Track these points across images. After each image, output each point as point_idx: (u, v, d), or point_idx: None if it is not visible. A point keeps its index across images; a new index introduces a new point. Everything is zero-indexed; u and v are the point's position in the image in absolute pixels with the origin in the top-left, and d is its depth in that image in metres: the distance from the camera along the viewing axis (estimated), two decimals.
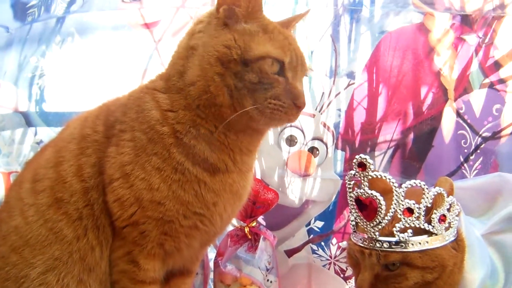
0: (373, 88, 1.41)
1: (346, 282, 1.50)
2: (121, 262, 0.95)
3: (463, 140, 1.41)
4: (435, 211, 0.91)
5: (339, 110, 1.43)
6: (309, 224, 1.47)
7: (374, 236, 0.92)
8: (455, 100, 1.40)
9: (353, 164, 0.94)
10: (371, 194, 0.92)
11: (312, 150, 1.43)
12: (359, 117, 1.43)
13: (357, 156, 0.93)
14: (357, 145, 1.43)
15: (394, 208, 0.91)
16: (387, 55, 1.40)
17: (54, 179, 0.95)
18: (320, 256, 1.49)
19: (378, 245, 0.92)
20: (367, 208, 0.95)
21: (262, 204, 1.32)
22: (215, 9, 0.88)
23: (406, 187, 0.92)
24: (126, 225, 0.92)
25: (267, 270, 1.30)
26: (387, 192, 0.93)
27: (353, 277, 1.10)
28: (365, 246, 0.94)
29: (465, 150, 1.40)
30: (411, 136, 1.42)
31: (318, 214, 1.46)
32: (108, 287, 0.97)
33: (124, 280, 0.94)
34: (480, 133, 1.40)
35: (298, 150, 1.43)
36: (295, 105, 0.86)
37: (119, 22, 1.57)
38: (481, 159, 1.40)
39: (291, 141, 1.42)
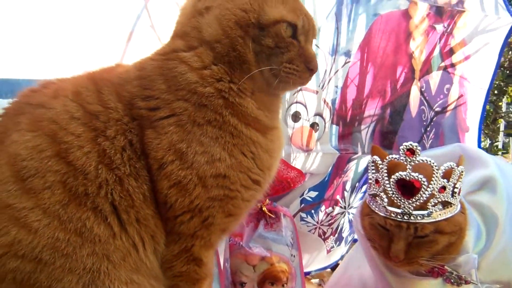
0: (364, 67, 1.52)
1: (324, 242, 1.66)
2: (178, 262, 0.85)
3: (423, 114, 1.65)
4: (456, 186, 1.09)
5: (336, 87, 1.49)
6: (302, 194, 1.54)
7: (409, 211, 1.04)
8: (419, 79, 1.63)
9: (401, 149, 1.05)
10: (417, 176, 1.03)
11: (313, 126, 1.47)
12: (351, 93, 1.53)
13: (406, 144, 1.04)
14: (348, 119, 1.53)
15: (432, 187, 1.06)
16: (376, 36, 1.51)
17: (64, 171, 0.77)
18: (308, 222, 1.59)
19: (412, 218, 1.05)
20: (405, 187, 1.08)
21: (280, 183, 1.33)
22: None
23: (444, 169, 1.08)
24: (183, 214, 0.83)
25: (292, 245, 1.34)
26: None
27: (368, 246, 1.24)
28: (402, 220, 1.05)
29: (424, 123, 1.66)
30: (388, 111, 1.59)
31: (313, 185, 1.54)
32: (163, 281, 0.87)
33: (182, 284, 0.86)
34: (434, 108, 1.67)
35: (300, 126, 1.45)
36: (307, 68, 0.87)
37: None
38: (433, 130, 1.68)
39: (296, 117, 1.44)
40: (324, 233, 1.63)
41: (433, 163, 1.04)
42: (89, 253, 0.75)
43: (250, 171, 0.86)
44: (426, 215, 1.05)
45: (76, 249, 0.75)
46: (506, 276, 1.22)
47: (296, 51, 0.86)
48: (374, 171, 1.11)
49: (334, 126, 1.51)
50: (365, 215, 1.15)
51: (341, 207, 1.63)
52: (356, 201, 1.67)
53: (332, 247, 1.68)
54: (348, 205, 1.66)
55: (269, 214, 1.34)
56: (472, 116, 1.75)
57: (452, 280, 1.16)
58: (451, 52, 1.65)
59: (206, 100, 0.82)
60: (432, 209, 1.04)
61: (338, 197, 1.61)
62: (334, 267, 1.70)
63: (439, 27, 1.58)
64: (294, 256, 1.34)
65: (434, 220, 1.05)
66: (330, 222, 1.62)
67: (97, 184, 0.77)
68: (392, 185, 1.05)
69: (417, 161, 1.04)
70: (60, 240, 0.74)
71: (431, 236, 1.06)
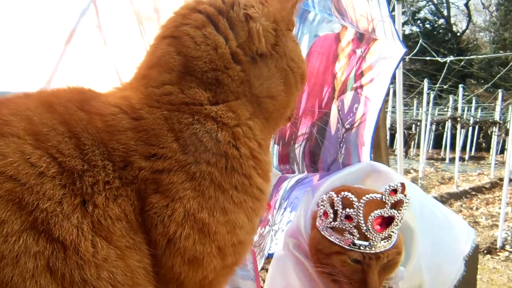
0: None
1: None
2: None
3: (339, 132, 1.75)
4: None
5: None
6: None
7: (376, 242, 1.13)
8: (337, 99, 1.71)
9: (386, 190, 1.12)
10: (393, 212, 1.14)
11: None
12: None
13: (392, 184, 1.12)
14: (286, 139, 1.51)
15: (399, 219, 1.17)
16: (313, 57, 1.52)
17: (49, 251, 0.57)
18: None
19: (379, 248, 1.13)
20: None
21: None
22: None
23: (407, 203, 1.19)
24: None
25: (254, 278, 1.26)
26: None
27: (307, 270, 1.27)
28: (378, 251, 1.13)
29: (339, 139, 1.76)
30: (315, 129, 1.63)
31: None
32: None
33: None
34: (345, 125, 1.78)
35: None
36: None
37: None
38: (344, 146, 1.79)
39: None
40: (253, 253, 1.58)
41: (407, 199, 1.14)
42: None
43: (255, 229, 0.80)
44: (389, 241, 1.14)
45: None
46: (418, 280, 1.39)
47: None
48: (342, 206, 1.13)
49: (275, 146, 1.47)
50: (334, 253, 1.15)
51: (269, 225, 1.61)
52: (279, 217, 1.66)
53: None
54: (273, 223, 1.65)
55: None
56: (367, 132, 1.93)
57: None
58: (362, 74, 1.77)
59: (237, 163, 0.71)
60: (394, 236, 1.15)
61: (270, 216, 1.58)
62: None
63: (358, 52, 1.68)
64: None
65: (393, 244, 1.15)
66: (260, 242, 1.58)
67: (96, 264, 0.58)
68: (370, 222, 1.10)
69: (397, 199, 1.11)
70: None
71: (394, 259, 1.16)
